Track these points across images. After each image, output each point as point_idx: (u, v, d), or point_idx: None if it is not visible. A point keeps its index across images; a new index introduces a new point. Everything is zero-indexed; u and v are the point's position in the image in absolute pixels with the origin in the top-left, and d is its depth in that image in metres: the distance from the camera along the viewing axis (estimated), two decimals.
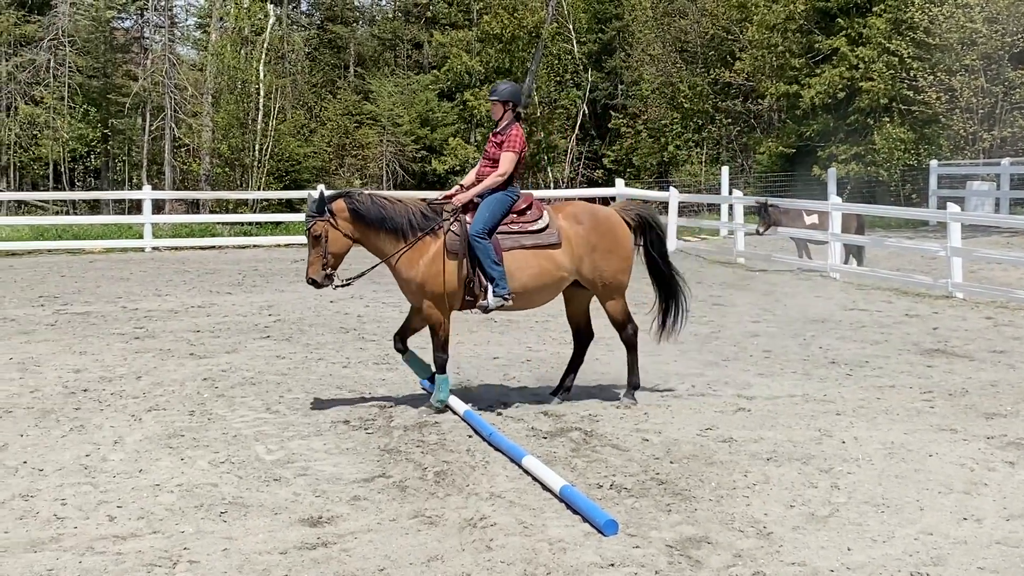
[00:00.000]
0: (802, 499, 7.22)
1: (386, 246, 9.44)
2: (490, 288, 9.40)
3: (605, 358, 12.00)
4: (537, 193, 35.49)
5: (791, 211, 21.71)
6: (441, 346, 9.62)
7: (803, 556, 6.20)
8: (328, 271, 9.33)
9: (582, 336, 10.30)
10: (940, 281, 17.96)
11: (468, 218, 9.52)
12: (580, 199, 35.46)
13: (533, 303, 9.93)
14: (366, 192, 9.57)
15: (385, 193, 9.64)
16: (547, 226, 9.62)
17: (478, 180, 9.76)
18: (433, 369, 9.76)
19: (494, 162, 9.70)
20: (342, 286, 9.68)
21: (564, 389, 10.20)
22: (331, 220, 9.27)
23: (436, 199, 9.88)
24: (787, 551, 6.27)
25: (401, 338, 9.94)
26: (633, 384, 10.13)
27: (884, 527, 6.69)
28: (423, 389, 10.40)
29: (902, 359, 12.25)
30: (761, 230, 21.58)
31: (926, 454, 8.29)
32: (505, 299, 9.42)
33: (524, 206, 9.69)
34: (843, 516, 6.88)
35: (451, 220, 9.48)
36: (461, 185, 10.01)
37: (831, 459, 8.14)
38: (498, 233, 9.51)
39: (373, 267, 9.85)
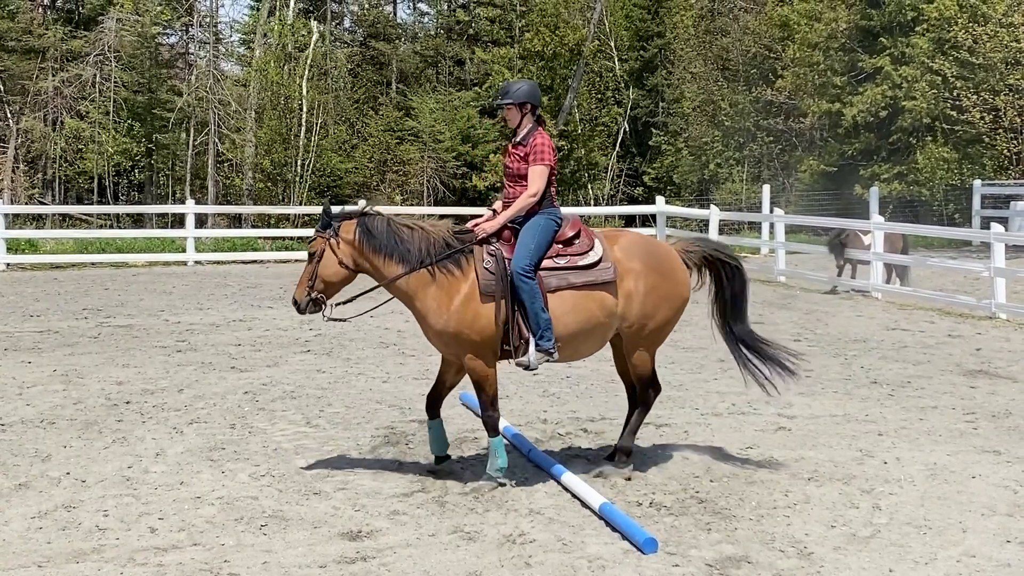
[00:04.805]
0: (843, 519, 7.18)
1: (394, 272, 7.83)
2: (532, 341, 7.72)
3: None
4: (575, 210, 35.69)
5: (850, 233, 20.93)
6: (490, 403, 7.96)
7: None
8: (315, 295, 7.81)
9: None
10: (983, 302, 17.82)
11: (505, 251, 7.84)
12: (620, 216, 35.81)
13: (579, 354, 8.16)
14: (385, 215, 8.00)
15: (406, 220, 8.00)
16: (601, 259, 7.90)
17: (506, 206, 8.07)
18: (488, 435, 8.03)
19: (521, 179, 7.98)
20: (334, 320, 8.01)
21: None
22: (331, 240, 7.83)
23: (461, 229, 8.10)
24: (828, 572, 6.24)
25: (433, 401, 8.40)
26: (626, 450, 8.32)
27: (926, 549, 6.64)
28: (463, 404, 10.42)
29: (944, 380, 12.15)
30: (840, 263, 20.85)
31: (969, 476, 8.23)
32: (550, 353, 7.74)
33: (571, 234, 7.97)
34: (885, 537, 6.84)
35: (482, 253, 7.83)
36: (494, 211, 8.18)
37: (872, 480, 8.09)
38: (541, 270, 7.80)
39: (368, 293, 8.14)
